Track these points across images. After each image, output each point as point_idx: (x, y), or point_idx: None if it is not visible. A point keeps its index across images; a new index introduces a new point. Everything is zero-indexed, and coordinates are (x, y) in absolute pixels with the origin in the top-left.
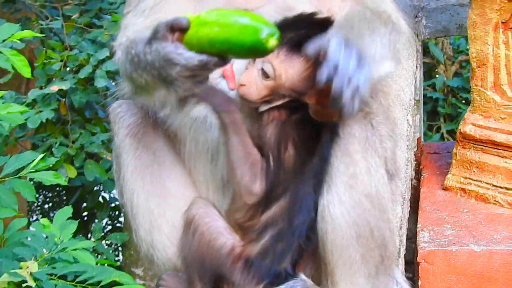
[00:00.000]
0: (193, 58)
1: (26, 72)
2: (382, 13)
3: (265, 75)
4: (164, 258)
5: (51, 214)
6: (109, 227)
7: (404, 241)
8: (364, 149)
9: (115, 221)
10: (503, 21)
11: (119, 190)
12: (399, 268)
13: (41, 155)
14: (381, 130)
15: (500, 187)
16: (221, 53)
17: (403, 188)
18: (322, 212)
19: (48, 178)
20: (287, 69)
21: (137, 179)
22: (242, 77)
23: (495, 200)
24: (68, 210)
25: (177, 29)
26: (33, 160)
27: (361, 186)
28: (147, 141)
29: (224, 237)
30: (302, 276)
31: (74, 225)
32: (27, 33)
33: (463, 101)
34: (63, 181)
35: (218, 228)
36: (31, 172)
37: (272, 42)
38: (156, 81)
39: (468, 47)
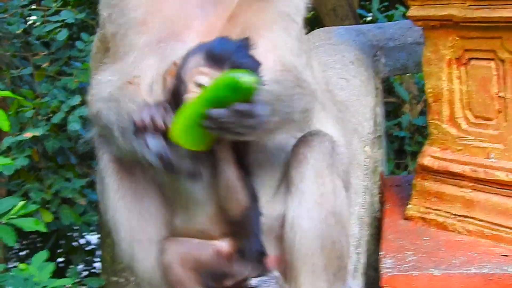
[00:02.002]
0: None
1: (5, 126)
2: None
3: None
4: (143, 268)
5: (27, 261)
6: (85, 273)
7: (362, 259)
8: (331, 172)
9: (90, 266)
10: (456, 57)
11: (103, 208)
12: (355, 280)
13: (22, 202)
14: (341, 153)
15: (459, 215)
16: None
17: (361, 212)
18: (291, 223)
19: (29, 224)
20: None
21: (119, 199)
22: None
23: (453, 228)
24: (44, 254)
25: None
26: (14, 206)
27: (328, 205)
28: (127, 165)
29: (206, 249)
30: (276, 272)
31: (51, 266)
32: (6, 93)
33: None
34: (43, 228)
35: (197, 246)
36: (12, 218)
37: (251, 79)
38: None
39: None
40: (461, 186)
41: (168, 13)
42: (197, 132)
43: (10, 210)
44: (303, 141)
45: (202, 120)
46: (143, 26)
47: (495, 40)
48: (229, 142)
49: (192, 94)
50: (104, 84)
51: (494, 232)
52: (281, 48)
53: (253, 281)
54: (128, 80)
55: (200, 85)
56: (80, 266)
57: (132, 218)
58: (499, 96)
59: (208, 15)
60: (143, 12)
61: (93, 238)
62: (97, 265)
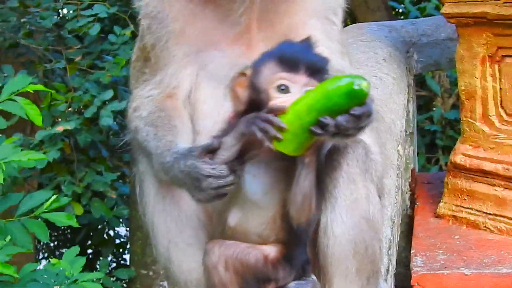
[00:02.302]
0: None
1: (38, 121)
2: None
3: None
4: (179, 271)
5: (57, 253)
6: (114, 264)
7: (394, 261)
8: (364, 178)
9: (119, 258)
10: (490, 54)
11: (141, 211)
12: (387, 283)
13: (54, 196)
14: (375, 160)
15: (490, 214)
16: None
17: (393, 212)
18: (324, 229)
19: (61, 219)
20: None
21: (158, 202)
22: None
23: (485, 226)
24: (75, 249)
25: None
26: (47, 200)
27: (361, 210)
28: None
29: (253, 253)
30: (313, 277)
31: (82, 260)
32: (40, 87)
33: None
34: (75, 223)
35: (244, 250)
36: (44, 212)
37: (365, 84)
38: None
39: None
40: (493, 185)
41: (205, 23)
42: (300, 138)
43: (42, 204)
44: (337, 147)
45: (312, 126)
46: (182, 37)
47: None
48: (317, 148)
49: (277, 101)
50: (145, 100)
51: None
52: (325, 52)
53: (291, 285)
54: (167, 94)
55: (282, 91)
56: (109, 258)
57: (169, 221)
58: None
59: (243, 22)
60: (182, 23)
61: (122, 230)
62: (126, 257)
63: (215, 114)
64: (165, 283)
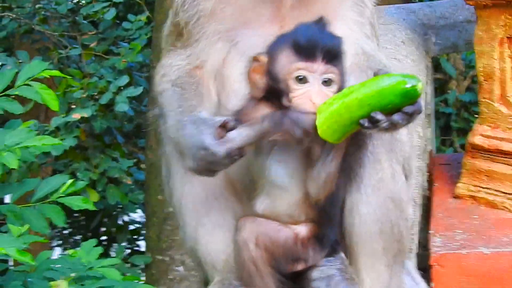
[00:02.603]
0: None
1: (54, 105)
2: None
3: (329, 83)
4: (206, 252)
5: (70, 240)
6: (128, 251)
7: (416, 240)
8: (389, 158)
9: (133, 244)
10: (508, 36)
11: (168, 193)
12: (412, 262)
13: (71, 180)
14: (401, 140)
15: (509, 194)
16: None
17: (415, 192)
18: (350, 209)
19: (77, 203)
20: (340, 71)
21: (186, 184)
22: (316, 99)
23: (503, 206)
24: (92, 242)
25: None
26: (63, 184)
27: (386, 189)
28: None
29: (284, 232)
30: (342, 254)
31: (99, 250)
32: (55, 73)
33: (476, 115)
34: (91, 206)
35: (275, 228)
36: (60, 196)
37: (420, 86)
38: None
39: None
40: (510, 164)
41: (238, 1)
42: (347, 129)
43: (58, 189)
44: None
45: (362, 120)
46: (213, 15)
47: None
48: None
49: (297, 93)
50: (174, 67)
51: None
52: (357, 33)
53: (320, 262)
54: (196, 65)
55: (301, 80)
56: (123, 244)
57: (197, 202)
58: None
59: (276, 2)
60: (214, 2)
61: (136, 216)
62: (140, 243)
63: (245, 92)
64: (181, 268)
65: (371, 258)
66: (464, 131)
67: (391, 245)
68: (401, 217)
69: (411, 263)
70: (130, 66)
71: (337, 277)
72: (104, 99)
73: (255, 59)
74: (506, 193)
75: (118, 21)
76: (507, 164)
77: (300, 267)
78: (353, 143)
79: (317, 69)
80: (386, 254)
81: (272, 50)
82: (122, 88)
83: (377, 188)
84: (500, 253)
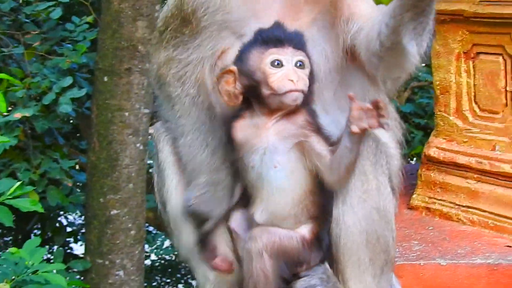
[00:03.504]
0: None
1: (2, 107)
2: None
3: (302, 66)
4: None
5: (1, 240)
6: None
7: None
8: (375, 170)
9: (66, 247)
10: (465, 51)
11: (161, 201)
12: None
13: (18, 183)
14: (389, 153)
15: (463, 206)
16: None
17: None
18: (336, 219)
19: (26, 205)
20: (307, 56)
21: (180, 192)
22: (294, 76)
23: (458, 218)
24: (36, 240)
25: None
26: (11, 187)
27: (372, 201)
28: None
29: (292, 237)
30: (326, 265)
31: (43, 250)
32: (3, 75)
33: (416, 126)
34: (40, 208)
35: (284, 235)
36: (8, 198)
37: None
38: None
39: (419, 73)
40: (466, 177)
41: None
42: None
43: (5, 191)
44: None
45: None
46: (222, 5)
47: (504, 35)
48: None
49: (275, 77)
50: (186, 66)
51: (498, 223)
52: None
53: (303, 273)
54: (201, 59)
55: (277, 65)
56: (55, 247)
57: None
58: (506, 90)
59: None
60: None
61: (71, 218)
62: (74, 246)
63: None
64: (121, 273)
65: (358, 269)
66: (405, 142)
67: (377, 256)
68: (386, 228)
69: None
70: (73, 67)
71: (318, 287)
72: (47, 100)
73: (224, 72)
74: (460, 205)
75: (61, 22)
76: (462, 177)
77: (302, 269)
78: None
79: (289, 52)
80: (372, 265)
81: (240, 56)
82: (66, 89)
83: (362, 199)
84: (457, 264)
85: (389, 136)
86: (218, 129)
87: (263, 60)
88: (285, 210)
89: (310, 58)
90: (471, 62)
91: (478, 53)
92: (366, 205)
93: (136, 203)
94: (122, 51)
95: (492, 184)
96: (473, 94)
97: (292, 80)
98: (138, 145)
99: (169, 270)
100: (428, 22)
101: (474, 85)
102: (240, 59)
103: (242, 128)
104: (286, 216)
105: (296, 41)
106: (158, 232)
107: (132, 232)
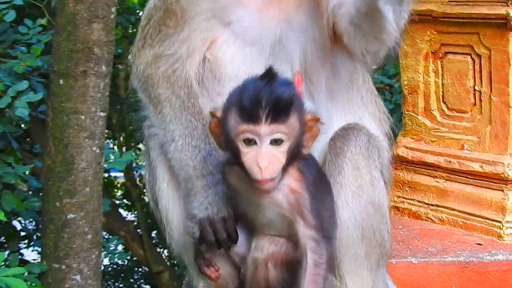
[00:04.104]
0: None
1: None
2: None
3: (278, 142)
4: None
5: None
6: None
7: None
8: (368, 164)
9: (17, 253)
10: (433, 51)
11: (153, 198)
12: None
13: None
14: (380, 146)
15: (432, 205)
16: None
17: None
18: None
19: None
20: (292, 125)
21: (172, 189)
22: (262, 163)
23: (427, 217)
24: None
25: None
26: None
27: (366, 195)
28: None
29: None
30: None
31: (2, 255)
32: None
33: None
34: (2, 217)
35: (285, 244)
36: None
37: None
38: None
39: (375, 75)
40: (435, 176)
41: None
42: None
43: None
44: (340, 134)
45: None
46: None
47: (472, 35)
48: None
49: (247, 156)
50: (167, 58)
51: (467, 222)
52: None
53: None
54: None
55: (249, 143)
56: (6, 253)
57: (185, 209)
58: (474, 90)
59: None
60: None
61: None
62: (25, 251)
63: (241, 75)
64: (78, 277)
65: (354, 263)
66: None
67: (373, 250)
68: (382, 222)
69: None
70: (28, 70)
71: None
72: (2, 103)
73: (212, 114)
74: (429, 204)
75: (13, 24)
76: (431, 176)
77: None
78: (331, 151)
79: (262, 131)
80: (369, 259)
81: (223, 107)
82: (22, 92)
83: (357, 194)
84: (428, 263)
85: (378, 128)
86: (209, 136)
87: (236, 134)
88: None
89: (296, 124)
90: (439, 62)
91: (446, 53)
92: (361, 200)
93: (92, 207)
94: (77, 53)
95: (461, 182)
96: (441, 93)
97: (260, 168)
98: (94, 148)
99: (122, 275)
100: None
101: (442, 84)
102: (223, 112)
103: (234, 175)
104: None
105: (277, 113)
106: (111, 236)
107: (89, 236)
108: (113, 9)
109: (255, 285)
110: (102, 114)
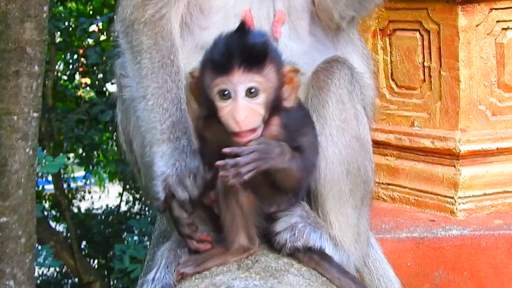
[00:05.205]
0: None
1: None
2: None
3: (254, 93)
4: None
5: None
6: None
7: None
8: (352, 99)
9: None
10: (381, 28)
11: (126, 140)
12: None
13: None
14: (364, 83)
15: (383, 183)
16: None
17: None
18: None
19: None
20: (267, 76)
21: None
22: (239, 116)
23: (378, 196)
24: None
25: None
26: None
27: (351, 129)
28: None
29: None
30: (304, 202)
31: None
32: None
33: None
34: None
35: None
36: None
37: None
38: None
39: None
40: (386, 155)
41: None
42: None
43: None
44: (323, 68)
45: None
46: None
47: (421, 11)
48: None
49: (224, 110)
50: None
51: (420, 199)
52: None
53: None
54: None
55: (225, 96)
56: None
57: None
58: (423, 66)
59: None
60: None
61: None
62: None
63: (228, 7)
64: (11, 282)
65: (339, 201)
66: None
67: (358, 187)
68: (366, 158)
69: None
70: None
71: (300, 224)
72: None
73: (190, 75)
74: (380, 182)
75: None
76: (381, 154)
77: (272, 209)
78: (314, 84)
79: (235, 80)
80: (353, 196)
81: (199, 66)
82: None
83: (341, 128)
84: (383, 239)
85: (363, 65)
86: (183, 101)
87: (212, 90)
88: None
89: (273, 74)
90: (387, 39)
91: (395, 30)
92: (346, 134)
93: (26, 210)
94: (9, 53)
95: (412, 160)
96: (390, 71)
97: (237, 122)
98: (27, 150)
99: (52, 287)
100: None
101: (391, 62)
102: (200, 71)
103: (210, 129)
104: None
105: (251, 62)
106: (41, 245)
107: (22, 240)
108: (46, 8)
109: (229, 211)
110: (35, 115)
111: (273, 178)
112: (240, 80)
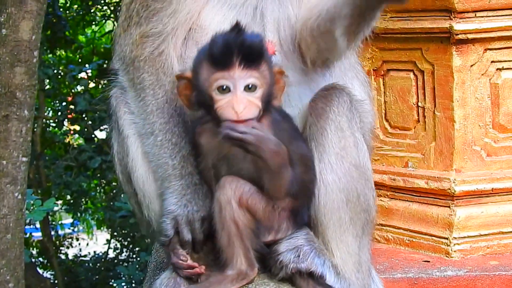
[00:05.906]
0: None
1: None
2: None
3: (252, 88)
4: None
5: None
6: None
7: None
8: (351, 126)
9: None
10: (375, 68)
11: (124, 171)
12: None
13: None
14: (363, 109)
15: (377, 224)
16: None
17: None
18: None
19: None
20: (263, 73)
21: (148, 162)
22: (238, 107)
23: (372, 237)
24: None
25: None
26: None
27: (350, 157)
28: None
29: (263, 197)
30: (307, 228)
31: None
32: None
33: None
34: None
35: (256, 192)
36: None
37: None
38: None
39: None
40: (379, 195)
41: None
42: None
43: None
44: (321, 95)
45: None
46: None
47: (415, 51)
48: None
49: (222, 103)
50: (158, 38)
51: (414, 240)
52: None
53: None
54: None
55: (224, 91)
56: None
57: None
58: (418, 106)
59: None
60: None
61: None
62: None
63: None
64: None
65: (339, 229)
66: None
67: (358, 215)
68: (366, 186)
69: None
70: None
71: (306, 247)
72: None
73: (180, 77)
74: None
75: None
76: None
77: (270, 237)
78: (313, 112)
79: (236, 75)
80: (353, 225)
81: (193, 65)
82: None
83: (340, 156)
84: None
85: (362, 91)
86: (190, 132)
87: (210, 84)
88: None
89: (269, 72)
90: (381, 79)
91: (389, 70)
92: (345, 162)
93: (14, 254)
94: None
95: (407, 200)
96: (383, 111)
97: (236, 112)
98: (16, 194)
99: None
100: (367, 24)
101: (385, 102)
102: (193, 69)
103: (205, 134)
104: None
105: (249, 59)
106: None
107: (10, 284)
108: (36, 53)
109: (223, 228)
110: (24, 159)
111: (262, 181)
112: (240, 76)
